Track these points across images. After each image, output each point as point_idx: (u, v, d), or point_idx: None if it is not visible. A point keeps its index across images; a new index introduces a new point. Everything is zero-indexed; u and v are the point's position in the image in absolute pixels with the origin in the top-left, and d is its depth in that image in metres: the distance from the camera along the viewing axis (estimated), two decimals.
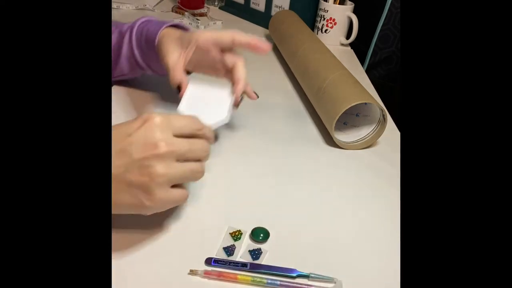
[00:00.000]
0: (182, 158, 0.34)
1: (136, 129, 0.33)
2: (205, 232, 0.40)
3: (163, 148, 0.32)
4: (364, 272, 0.38)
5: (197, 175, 0.36)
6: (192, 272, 0.35)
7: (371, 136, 0.56)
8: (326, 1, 0.91)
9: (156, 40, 0.52)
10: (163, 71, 0.54)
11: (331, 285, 0.36)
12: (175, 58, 0.50)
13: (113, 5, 1.00)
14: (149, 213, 0.34)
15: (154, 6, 1.05)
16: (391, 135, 0.60)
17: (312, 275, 0.36)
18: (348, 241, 0.41)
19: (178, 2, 1.05)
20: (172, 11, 1.05)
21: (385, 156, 0.55)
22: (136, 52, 0.56)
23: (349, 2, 0.91)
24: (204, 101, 0.49)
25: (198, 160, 0.36)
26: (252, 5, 1.05)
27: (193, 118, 0.37)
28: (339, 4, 0.91)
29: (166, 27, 0.53)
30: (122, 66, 0.58)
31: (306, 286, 0.35)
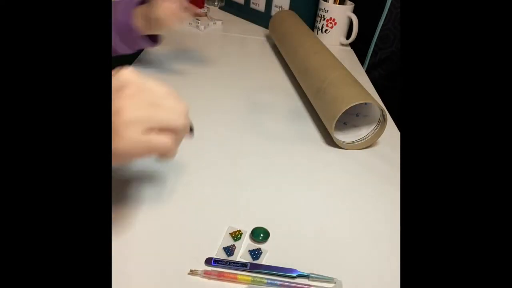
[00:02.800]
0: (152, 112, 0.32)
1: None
2: (205, 232, 0.40)
3: (132, 88, 0.31)
4: (364, 272, 0.38)
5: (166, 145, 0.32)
6: (192, 272, 0.35)
7: (371, 136, 0.56)
8: (326, 1, 0.91)
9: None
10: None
11: (331, 285, 0.36)
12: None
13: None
14: (123, 159, 0.32)
15: None
16: (391, 135, 0.60)
17: (312, 275, 0.36)
18: (348, 241, 0.41)
19: None
20: None
21: (385, 156, 0.55)
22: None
23: (349, 2, 0.91)
24: None
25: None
26: (252, 5, 1.05)
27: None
28: (339, 4, 0.91)
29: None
30: None
31: (306, 286, 0.35)
